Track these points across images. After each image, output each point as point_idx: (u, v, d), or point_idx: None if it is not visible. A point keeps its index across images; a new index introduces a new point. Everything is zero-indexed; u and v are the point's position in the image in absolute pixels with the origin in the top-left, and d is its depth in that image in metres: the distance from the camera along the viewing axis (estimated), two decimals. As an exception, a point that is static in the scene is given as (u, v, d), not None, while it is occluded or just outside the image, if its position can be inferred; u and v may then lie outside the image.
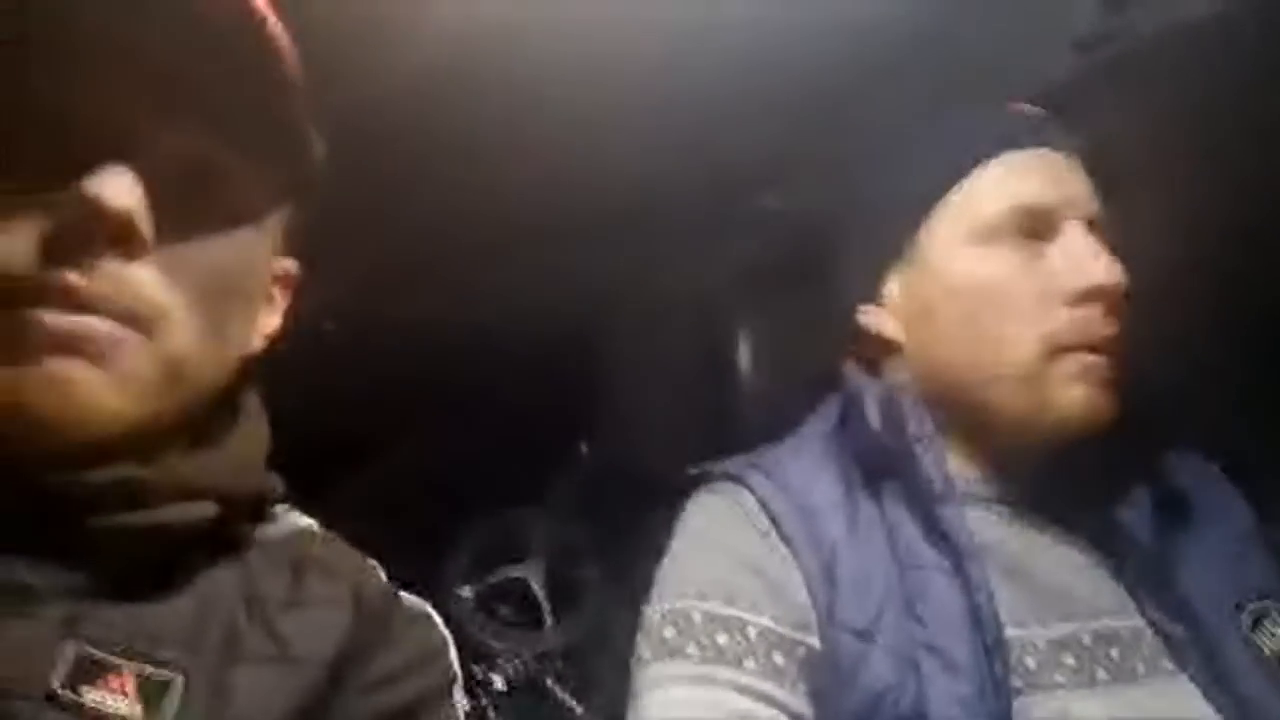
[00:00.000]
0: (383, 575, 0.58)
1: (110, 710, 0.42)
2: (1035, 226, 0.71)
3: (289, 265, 0.58)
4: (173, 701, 0.44)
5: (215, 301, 0.48)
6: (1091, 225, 0.71)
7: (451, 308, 1.74)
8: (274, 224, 0.53)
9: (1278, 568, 0.75)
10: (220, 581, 0.50)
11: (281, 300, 0.58)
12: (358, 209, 1.13)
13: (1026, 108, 0.76)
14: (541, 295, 1.73)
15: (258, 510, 0.55)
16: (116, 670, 0.44)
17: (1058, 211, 0.70)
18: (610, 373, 1.99)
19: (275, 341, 0.57)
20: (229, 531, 0.52)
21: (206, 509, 0.49)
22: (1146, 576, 0.71)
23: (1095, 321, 0.69)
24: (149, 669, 0.45)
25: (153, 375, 0.45)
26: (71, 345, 0.43)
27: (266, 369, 0.57)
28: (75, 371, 0.43)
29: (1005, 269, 0.71)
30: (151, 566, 0.47)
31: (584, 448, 2.09)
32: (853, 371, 0.80)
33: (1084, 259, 0.69)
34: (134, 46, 0.43)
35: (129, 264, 0.44)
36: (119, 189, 0.42)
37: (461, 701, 0.56)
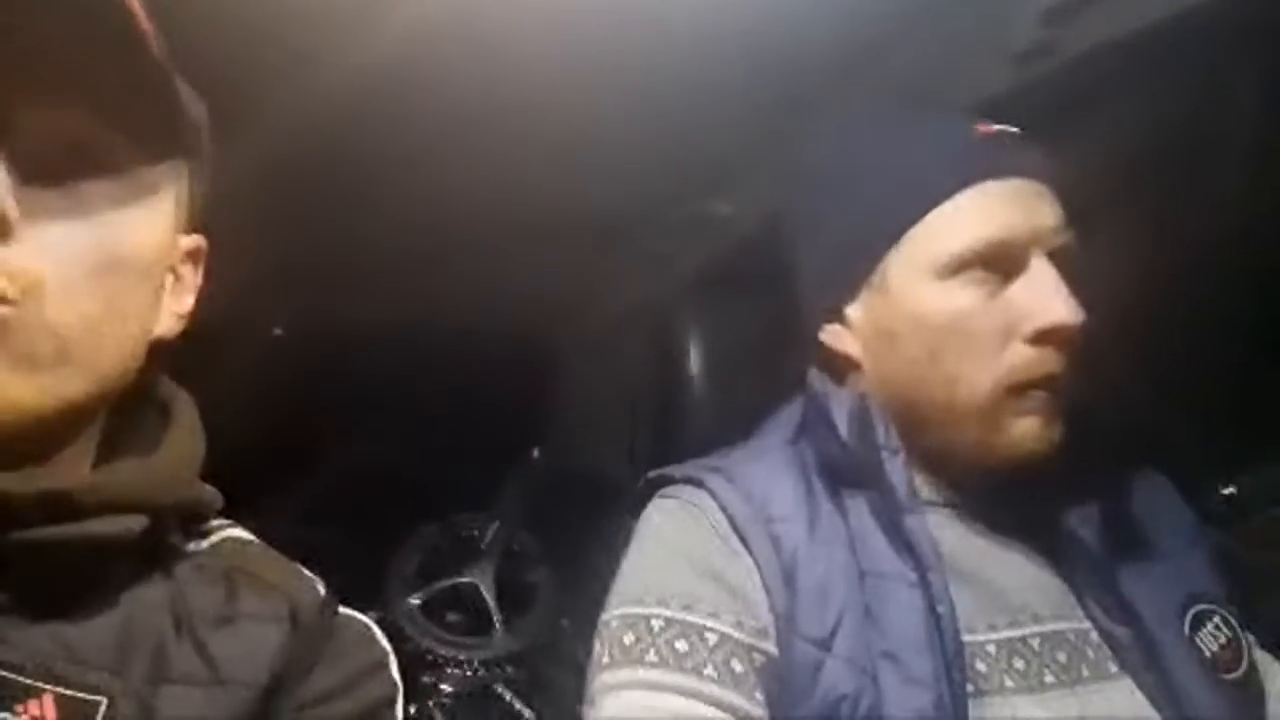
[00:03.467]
0: (321, 589, 0.56)
1: None
2: (1001, 261, 0.70)
3: (197, 241, 0.56)
4: None
5: (103, 276, 0.47)
6: (1058, 256, 0.71)
7: (404, 313, 1.73)
8: (170, 198, 0.52)
9: (1219, 572, 0.77)
10: (148, 598, 0.49)
11: (193, 278, 0.56)
12: (311, 214, 1.12)
13: (999, 130, 0.75)
14: (494, 301, 1.73)
15: (190, 523, 0.54)
16: (36, 693, 0.42)
17: (1024, 246, 0.70)
18: (562, 378, 1.99)
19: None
20: (159, 545, 0.50)
21: (135, 522, 0.47)
22: (1092, 581, 0.72)
23: (1051, 359, 0.69)
24: (71, 692, 0.43)
25: (37, 352, 0.44)
26: None
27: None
28: None
29: (968, 305, 0.70)
30: (76, 582, 0.46)
31: (535, 452, 2.08)
32: (818, 378, 0.80)
33: (1046, 297, 0.69)
34: None
35: (6, 243, 0.43)
36: None
37: (402, 716, 0.55)
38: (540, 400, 2.06)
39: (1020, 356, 0.70)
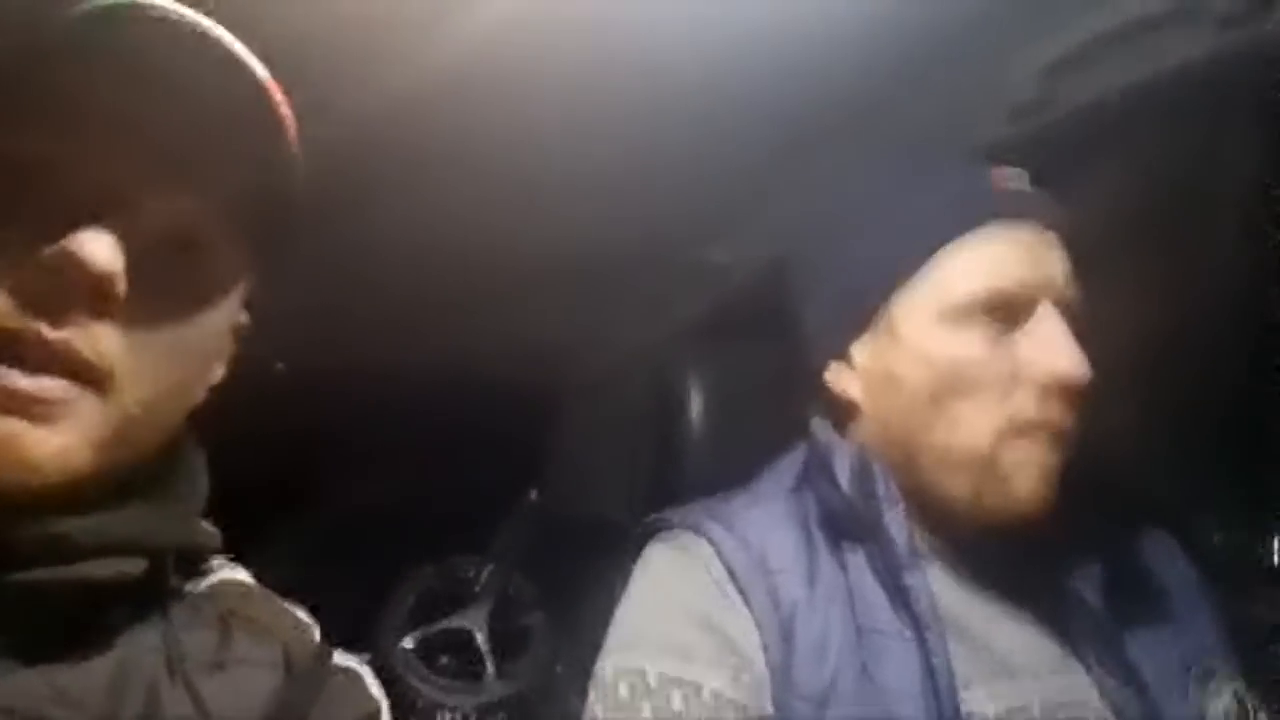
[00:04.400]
0: (316, 635, 0.56)
1: None
2: (1008, 309, 0.70)
3: (243, 318, 0.58)
4: None
5: (174, 363, 0.48)
6: (1065, 308, 0.70)
7: (405, 354, 1.73)
8: (243, 286, 0.53)
9: (1223, 632, 0.77)
10: (142, 640, 0.49)
11: (232, 351, 0.57)
12: (315, 252, 1.13)
13: (1010, 175, 0.75)
14: (494, 344, 1.73)
15: (188, 563, 0.54)
16: None
17: (1032, 295, 0.70)
18: (561, 421, 1.99)
19: (221, 387, 0.56)
20: (155, 587, 0.50)
21: (133, 565, 0.47)
22: (1096, 642, 0.71)
23: (1053, 411, 0.69)
24: None
25: (102, 434, 0.45)
26: (20, 406, 0.43)
27: (212, 405, 0.56)
28: (20, 429, 0.43)
29: (973, 352, 0.70)
30: (71, 624, 0.46)
31: (533, 495, 2.07)
32: (821, 428, 0.80)
33: (1052, 349, 0.68)
34: (131, 110, 0.44)
35: (97, 322, 0.44)
36: (99, 249, 0.43)
37: None
38: (538, 443, 2.05)
39: (1022, 406, 0.69)
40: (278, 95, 0.48)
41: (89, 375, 0.44)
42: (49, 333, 0.42)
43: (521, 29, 0.89)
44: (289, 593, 0.59)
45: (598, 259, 1.40)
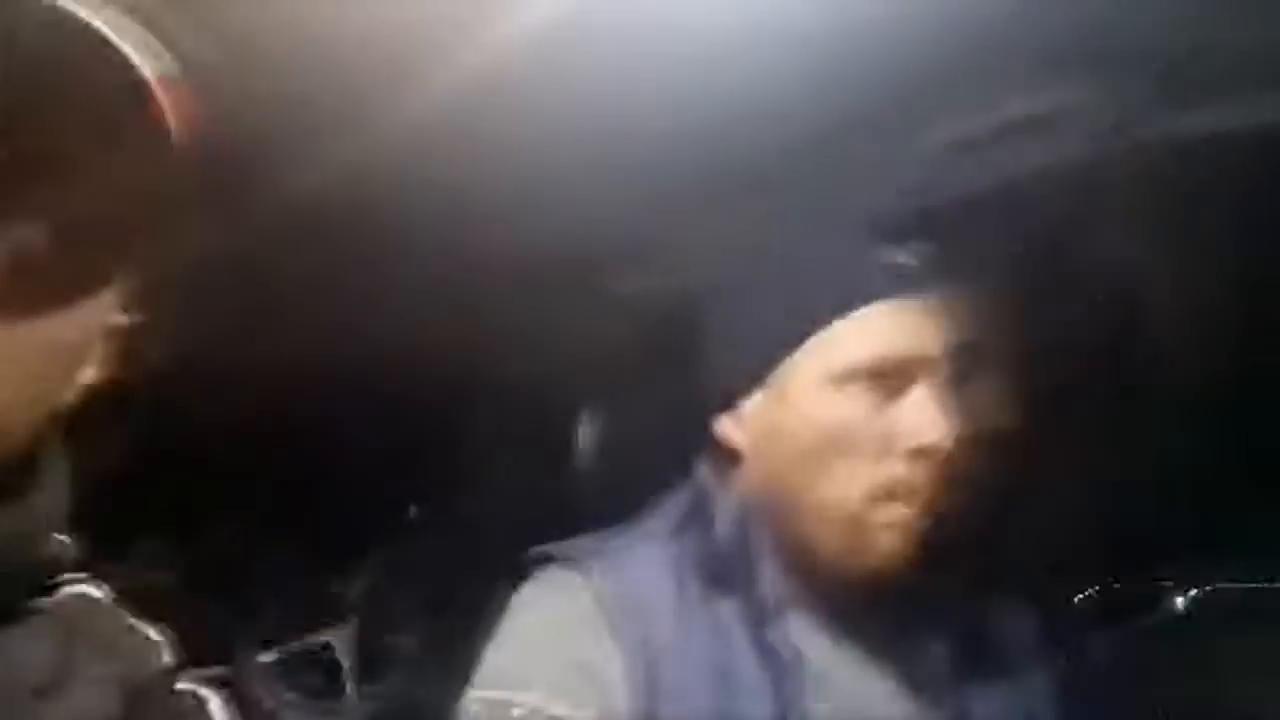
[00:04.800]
0: (166, 655, 0.53)
1: None
2: (890, 377, 0.75)
3: (122, 319, 0.53)
4: None
5: (35, 367, 0.44)
6: (942, 379, 0.76)
7: (297, 363, 1.68)
8: (117, 286, 0.50)
9: (1063, 696, 0.83)
10: None
11: (108, 353, 0.53)
12: (221, 253, 1.09)
13: (900, 252, 0.81)
14: (394, 356, 1.70)
15: (37, 580, 0.50)
16: None
17: (912, 366, 0.76)
18: (452, 440, 1.96)
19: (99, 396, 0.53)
20: (1, 607, 0.47)
21: None
22: (938, 694, 0.77)
23: (921, 478, 0.74)
24: None
25: None
26: None
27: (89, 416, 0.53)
28: None
29: (852, 415, 0.75)
30: None
31: (412, 510, 2.03)
32: (705, 474, 0.82)
33: (924, 418, 0.74)
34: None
35: None
36: None
37: None
38: (425, 459, 2.02)
39: (892, 471, 0.74)
40: (158, 94, 0.44)
41: None
42: None
43: (453, 60, 0.89)
44: (149, 604, 0.56)
45: (506, 279, 1.40)
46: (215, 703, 0.54)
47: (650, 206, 1.18)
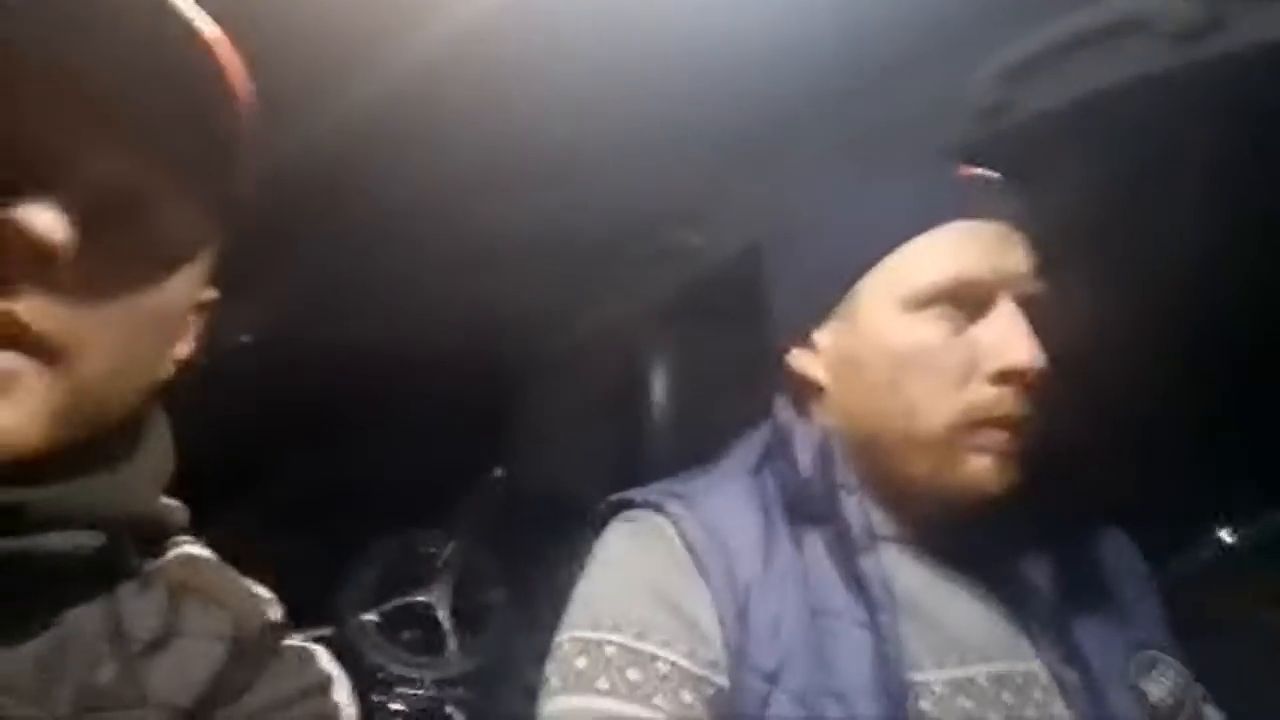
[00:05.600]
0: (271, 611, 0.55)
1: None
2: (968, 300, 0.72)
3: (210, 295, 0.56)
4: None
5: (131, 335, 0.46)
6: (1026, 302, 0.72)
7: (374, 327, 1.72)
8: (204, 258, 0.52)
9: (1166, 623, 0.80)
10: (87, 620, 0.47)
11: (199, 327, 0.56)
12: (285, 225, 1.13)
13: (979, 174, 0.77)
14: (464, 320, 1.73)
15: (150, 542, 0.53)
16: None
17: (992, 287, 0.72)
18: (529, 399, 1.99)
19: (187, 364, 0.55)
20: (111, 562, 0.49)
21: (92, 538, 0.46)
22: (1044, 623, 0.74)
23: (1009, 400, 0.71)
24: None
25: (56, 406, 0.44)
26: None
27: (174, 381, 0.55)
28: None
29: (932, 339, 0.72)
30: (19, 601, 0.44)
31: (497, 472, 2.08)
32: (783, 409, 0.81)
33: (1009, 339, 0.70)
34: (71, 73, 0.43)
35: (45, 291, 0.42)
36: (43, 216, 0.41)
37: None
38: (505, 420, 2.06)
39: (979, 395, 0.71)
40: (223, 52, 0.46)
41: (39, 347, 0.42)
42: None
43: (499, 19, 0.89)
44: (251, 566, 0.58)
45: (570, 238, 1.41)
46: (323, 656, 0.56)
47: (719, 154, 1.17)
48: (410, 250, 1.43)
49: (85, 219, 0.43)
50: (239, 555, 0.58)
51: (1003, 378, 0.71)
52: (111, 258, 0.45)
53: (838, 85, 1.01)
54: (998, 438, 0.71)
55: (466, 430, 1.97)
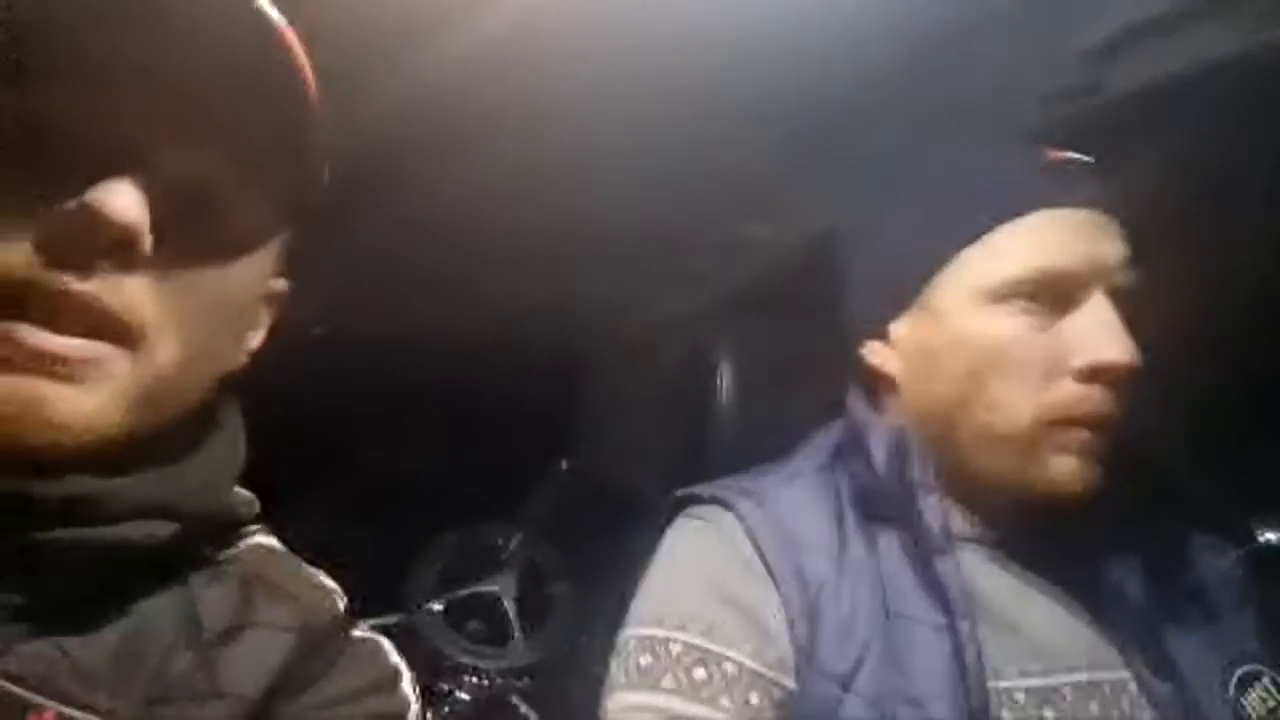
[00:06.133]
0: (340, 602, 0.55)
1: None
2: (1055, 292, 0.68)
3: (281, 285, 0.57)
4: None
5: (205, 322, 0.47)
6: (1117, 294, 0.68)
7: (441, 320, 1.74)
8: (275, 248, 0.53)
9: (1265, 634, 0.75)
10: (160, 609, 0.48)
11: (269, 318, 0.57)
12: (358, 218, 1.14)
13: (1069, 158, 0.72)
14: (532, 314, 1.74)
15: (223, 533, 0.53)
16: (38, 709, 0.42)
17: (1082, 279, 0.68)
18: (595, 392, 1.99)
19: (259, 355, 0.56)
20: (183, 553, 0.49)
21: (163, 528, 0.47)
22: (1133, 632, 0.70)
23: (1097, 399, 0.67)
24: (70, 710, 0.43)
25: (131, 392, 0.44)
26: (48, 366, 0.42)
27: (244, 372, 0.56)
28: (47, 390, 0.42)
29: (1016, 333, 0.69)
30: (91, 590, 0.45)
31: (563, 464, 2.08)
32: (858, 405, 0.78)
33: (1099, 334, 0.67)
34: (148, 62, 0.43)
35: (124, 276, 0.43)
36: (122, 200, 0.42)
37: None
38: (571, 412, 2.06)
39: (1065, 392, 0.67)
40: (294, 43, 0.46)
41: (117, 331, 0.43)
42: (74, 285, 0.41)
43: (562, 6, 0.88)
44: (318, 555, 0.58)
45: (639, 230, 1.40)
46: (389, 649, 0.57)
47: (788, 143, 1.14)
48: (479, 243, 1.44)
49: (163, 207, 0.43)
50: (309, 546, 0.58)
51: (1092, 374, 0.67)
52: (188, 246, 0.45)
53: (910, 69, 0.97)
54: (1082, 436, 0.68)
55: (534, 422, 1.98)
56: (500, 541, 2.10)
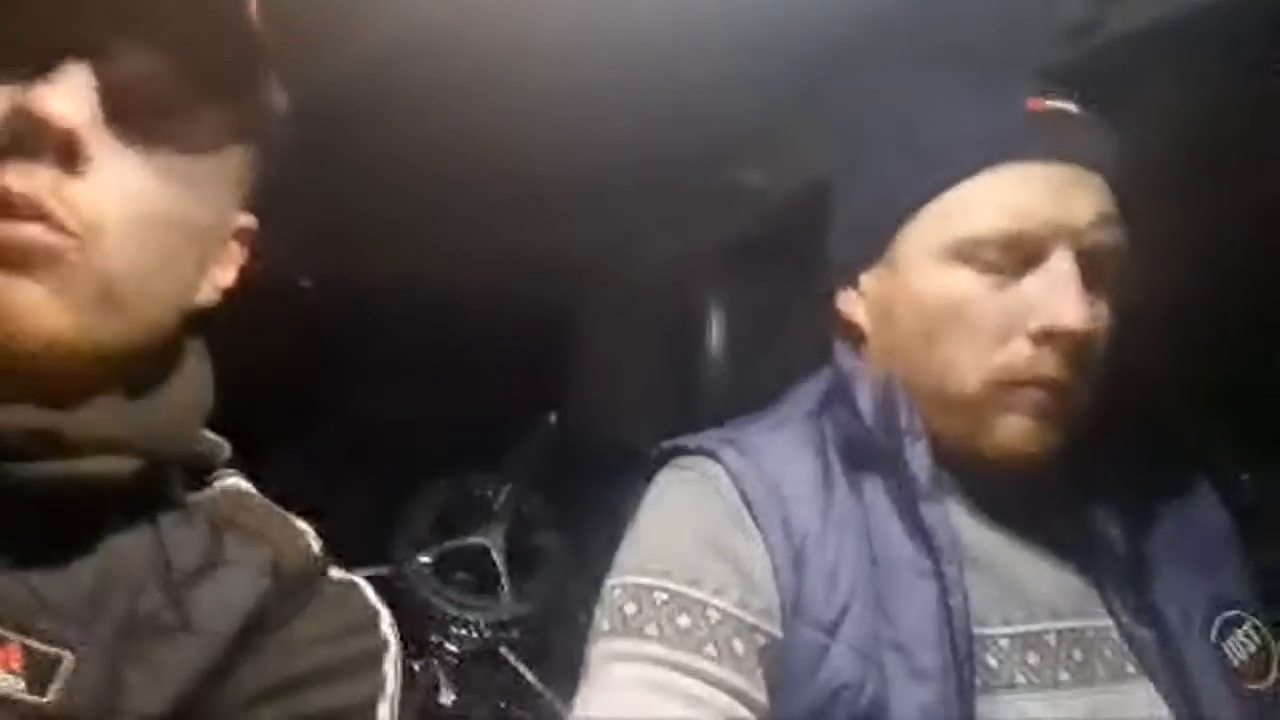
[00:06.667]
0: (313, 544, 0.55)
1: None
2: (1020, 251, 0.66)
3: (249, 221, 0.56)
4: (59, 679, 0.42)
5: (158, 230, 0.46)
6: (1088, 254, 0.66)
7: (430, 271, 1.73)
8: (233, 170, 0.51)
9: (1252, 580, 0.75)
10: (129, 547, 0.47)
11: (239, 256, 0.55)
12: (342, 170, 1.12)
13: (1051, 107, 0.69)
14: (519, 264, 1.72)
15: (191, 474, 0.53)
16: (3, 643, 0.42)
17: (1047, 240, 0.66)
18: (583, 342, 1.98)
19: (236, 295, 0.55)
20: (151, 493, 0.49)
21: (125, 464, 0.46)
22: (1117, 579, 0.70)
23: (1050, 361, 0.65)
24: (38, 644, 0.42)
25: (88, 291, 0.43)
26: (10, 257, 0.41)
27: (233, 322, 0.55)
28: (13, 288, 0.42)
29: (973, 292, 0.67)
30: (58, 526, 0.45)
31: (551, 416, 2.08)
32: (843, 352, 0.77)
33: (1058, 296, 0.64)
34: None
35: (69, 177, 0.42)
36: (63, 104, 0.42)
37: (393, 672, 0.53)
38: (559, 364, 2.06)
39: (1018, 354, 0.65)
40: None
41: (60, 228, 0.42)
42: (15, 184, 0.41)
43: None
44: (306, 505, 0.57)
45: (626, 178, 1.37)
46: (367, 590, 0.56)
47: (780, 90, 1.12)
48: (466, 191, 1.42)
49: (111, 105, 0.43)
50: (297, 495, 0.58)
51: (1045, 337, 0.65)
52: (139, 152, 0.45)
53: (909, 8, 0.95)
54: (1035, 397, 0.66)
55: (522, 372, 1.98)
56: (489, 493, 2.11)
